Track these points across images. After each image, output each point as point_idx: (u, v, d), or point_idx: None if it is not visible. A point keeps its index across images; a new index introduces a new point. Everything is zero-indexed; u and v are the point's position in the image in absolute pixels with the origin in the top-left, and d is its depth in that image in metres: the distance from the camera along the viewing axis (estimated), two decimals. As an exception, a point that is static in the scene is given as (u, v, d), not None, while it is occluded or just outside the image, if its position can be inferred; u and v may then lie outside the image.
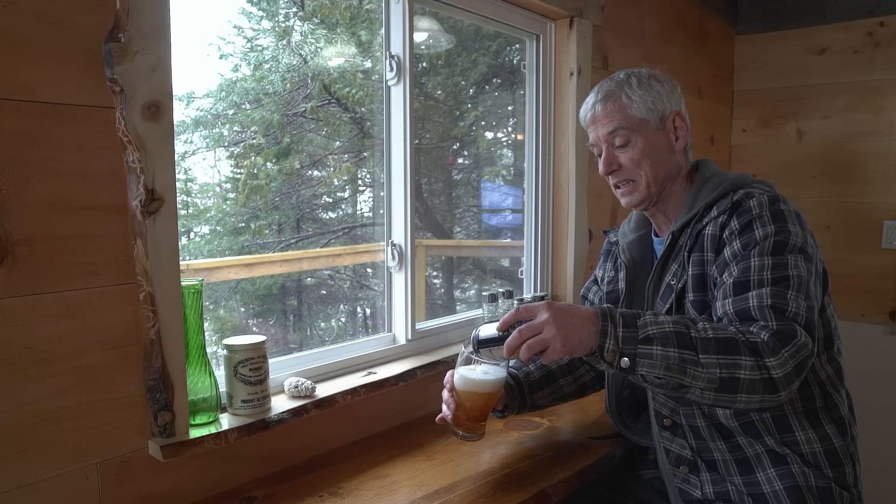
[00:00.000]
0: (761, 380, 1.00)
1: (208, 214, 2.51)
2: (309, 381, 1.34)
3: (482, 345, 1.15)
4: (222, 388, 1.23)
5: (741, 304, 1.08)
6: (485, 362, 1.20)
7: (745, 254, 1.11)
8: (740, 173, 1.27)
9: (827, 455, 1.15)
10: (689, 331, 1.03)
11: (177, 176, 1.07)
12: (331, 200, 2.92)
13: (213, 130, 2.27)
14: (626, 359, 1.02)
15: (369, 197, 2.70)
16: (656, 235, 1.37)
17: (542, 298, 1.99)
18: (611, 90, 1.27)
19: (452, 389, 1.25)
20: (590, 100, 1.30)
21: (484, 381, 1.22)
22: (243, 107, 2.27)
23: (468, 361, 1.22)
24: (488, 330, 1.15)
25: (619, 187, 1.30)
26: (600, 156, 1.30)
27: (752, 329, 1.03)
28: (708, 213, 1.21)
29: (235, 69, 2.26)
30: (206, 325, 1.19)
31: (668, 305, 1.22)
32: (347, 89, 2.52)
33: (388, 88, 1.60)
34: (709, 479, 1.22)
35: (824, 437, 1.16)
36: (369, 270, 2.56)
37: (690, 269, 1.20)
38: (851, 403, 1.23)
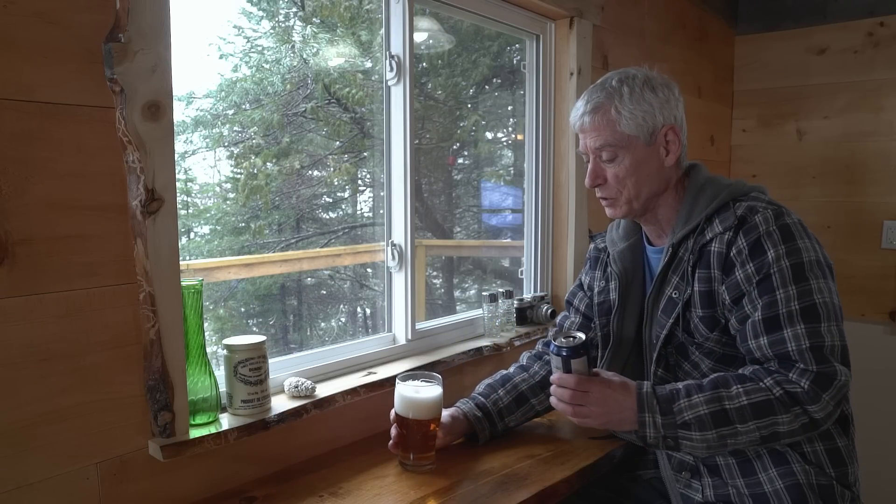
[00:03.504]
0: (801, 425, 1.08)
1: (208, 214, 2.51)
2: (309, 381, 1.34)
3: (558, 349, 1.19)
4: (222, 388, 1.23)
5: (780, 348, 1.10)
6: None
7: (762, 280, 1.12)
8: (735, 180, 1.26)
9: (829, 454, 1.15)
10: (722, 403, 1.09)
11: (177, 176, 1.07)
12: (331, 200, 2.92)
13: (213, 130, 2.27)
14: (669, 440, 1.13)
15: (369, 197, 2.71)
16: (649, 243, 1.35)
17: (542, 298, 1.99)
18: (600, 102, 1.23)
19: (395, 420, 1.29)
20: (579, 107, 1.26)
21: (417, 400, 1.26)
22: (243, 107, 2.27)
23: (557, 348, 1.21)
24: (570, 340, 1.19)
25: (603, 199, 1.29)
26: (588, 162, 1.28)
27: (791, 377, 1.08)
28: (710, 225, 1.19)
29: (235, 69, 2.26)
30: (206, 325, 1.19)
31: (672, 319, 1.21)
32: (347, 89, 2.52)
33: (388, 88, 1.60)
34: (710, 484, 1.22)
35: (826, 436, 1.16)
36: (369, 270, 2.56)
37: (697, 284, 1.19)
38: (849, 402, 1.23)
